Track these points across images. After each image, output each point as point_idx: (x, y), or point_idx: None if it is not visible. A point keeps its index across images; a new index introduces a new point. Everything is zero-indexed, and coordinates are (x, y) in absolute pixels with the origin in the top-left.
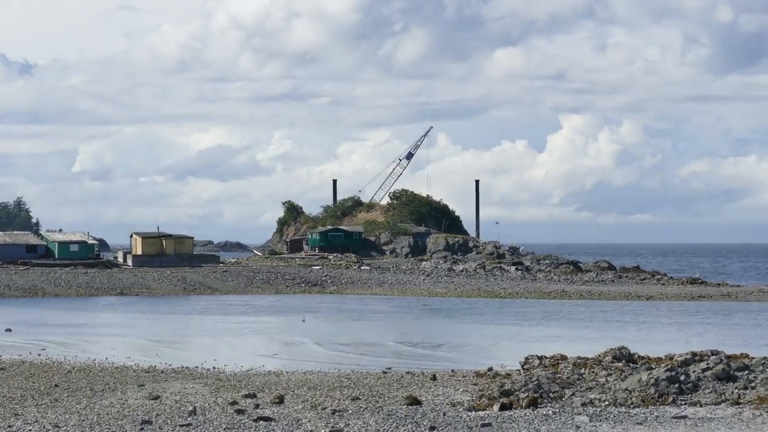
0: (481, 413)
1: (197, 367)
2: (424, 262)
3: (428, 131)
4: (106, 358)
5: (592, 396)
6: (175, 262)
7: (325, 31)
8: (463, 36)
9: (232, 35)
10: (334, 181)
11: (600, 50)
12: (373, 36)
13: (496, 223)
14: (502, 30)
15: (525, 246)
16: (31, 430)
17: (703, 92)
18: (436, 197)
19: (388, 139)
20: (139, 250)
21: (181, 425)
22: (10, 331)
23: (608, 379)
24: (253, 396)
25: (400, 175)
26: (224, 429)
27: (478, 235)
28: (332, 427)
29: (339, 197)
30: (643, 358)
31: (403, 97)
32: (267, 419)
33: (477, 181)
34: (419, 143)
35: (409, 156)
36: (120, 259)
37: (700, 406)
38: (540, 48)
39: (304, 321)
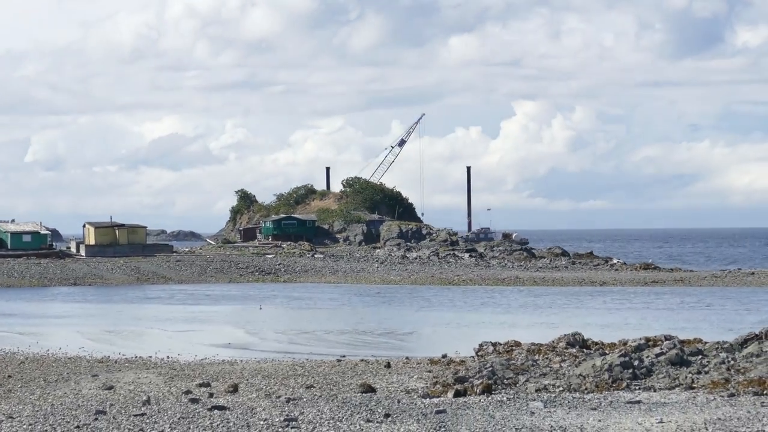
0: (436, 400)
1: (151, 356)
2: (377, 250)
3: (420, 118)
4: (60, 349)
5: (546, 382)
6: (128, 252)
7: (281, 20)
8: (418, 23)
9: (188, 24)
10: (327, 169)
11: (555, 37)
12: (328, 24)
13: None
14: (457, 17)
15: (518, 232)
16: None
17: (657, 78)
18: (389, 184)
19: (342, 126)
20: (92, 240)
21: (135, 415)
22: None
23: (562, 365)
24: (207, 385)
25: (392, 162)
26: (178, 418)
27: (469, 223)
28: (287, 415)
29: (294, 185)
30: (596, 343)
31: (357, 84)
32: (221, 408)
33: (468, 168)
34: (411, 130)
35: (402, 143)
36: (73, 249)
37: (654, 390)
38: (495, 35)
39: (261, 309)
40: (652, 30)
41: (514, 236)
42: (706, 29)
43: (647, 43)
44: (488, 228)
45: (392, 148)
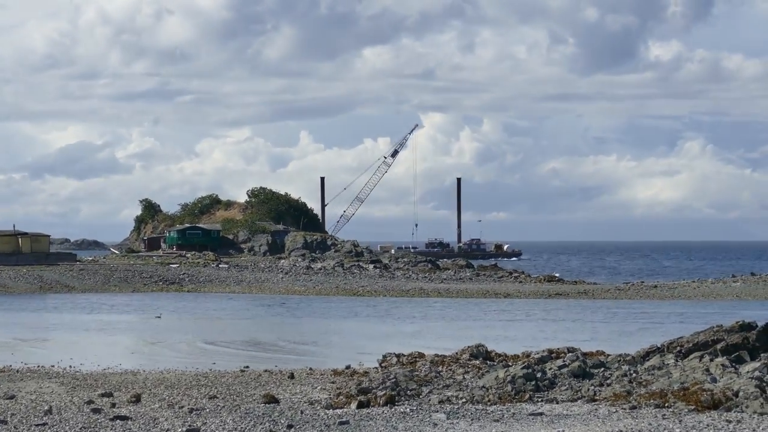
0: (339, 411)
1: (53, 366)
2: (282, 260)
3: (414, 129)
4: None
5: (450, 393)
6: (31, 261)
7: (196, 29)
8: (333, 34)
9: (101, 31)
10: (322, 179)
11: (468, 49)
12: (243, 34)
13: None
14: (373, 28)
15: (510, 244)
16: None
17: (567, 91)
18: (294, 195)
19: (250, 137)
20: None
21: (37, 425)
22: None
23: (465, 376)
24: (110, 395)
25: (385, 172)
26: (80, 428)
27: (459, 234)
28: (189, 426)
29: (200, 195)
30: (500, 355)
31: (268, 95)
32: (123, 418)
33: (459, 180)
34: (405, 140)
35: (395, 153)
36: None
37: (557, 402)
38: (409, 46)
39: (159, 317)
40: (565, 44)
41: (506, 248)
42: (618, 44)
43: (559, 57)
44: (479, 239)
45: (385, 158)
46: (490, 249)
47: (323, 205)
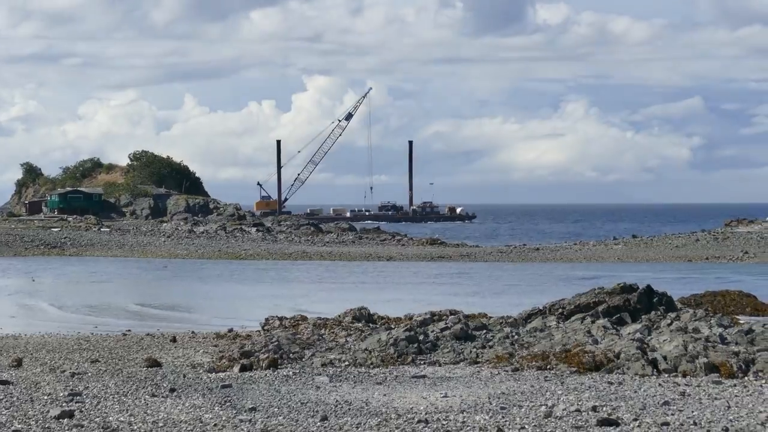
0: (222, 374)
1: None
2: (164, 224)
3: (367, 92)
4: None
5: (332, 356)
6: None
7: None
8: None
9: None
10: (278, 142)
11: (357, 12)
12: None
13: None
14: None
15: (464, 207)
16: None
17: (454, 54)
18: (178, 158)
19: (134, 99)
20: None
21: None
22: None
23: (348, 339)
24: None
25: (339, 135)
26: None
27: (411, 197)
28: (71, 389)
29: (82, 158)
30: (382, 318)
31: (155, 58)
32: (5, 383)
33: (410, 143)
34: (358, 104)
35: (348, 117)
36: None
37: (439, 365)
38: (297, 9)
39: (33, 281)
40: (453, 7)
41: (459, 211)
42: (506, 7)
43: (447, 20)
44: (431, 202)
45: (339, 121)
46: (444, 212)
47: (279, 168)
